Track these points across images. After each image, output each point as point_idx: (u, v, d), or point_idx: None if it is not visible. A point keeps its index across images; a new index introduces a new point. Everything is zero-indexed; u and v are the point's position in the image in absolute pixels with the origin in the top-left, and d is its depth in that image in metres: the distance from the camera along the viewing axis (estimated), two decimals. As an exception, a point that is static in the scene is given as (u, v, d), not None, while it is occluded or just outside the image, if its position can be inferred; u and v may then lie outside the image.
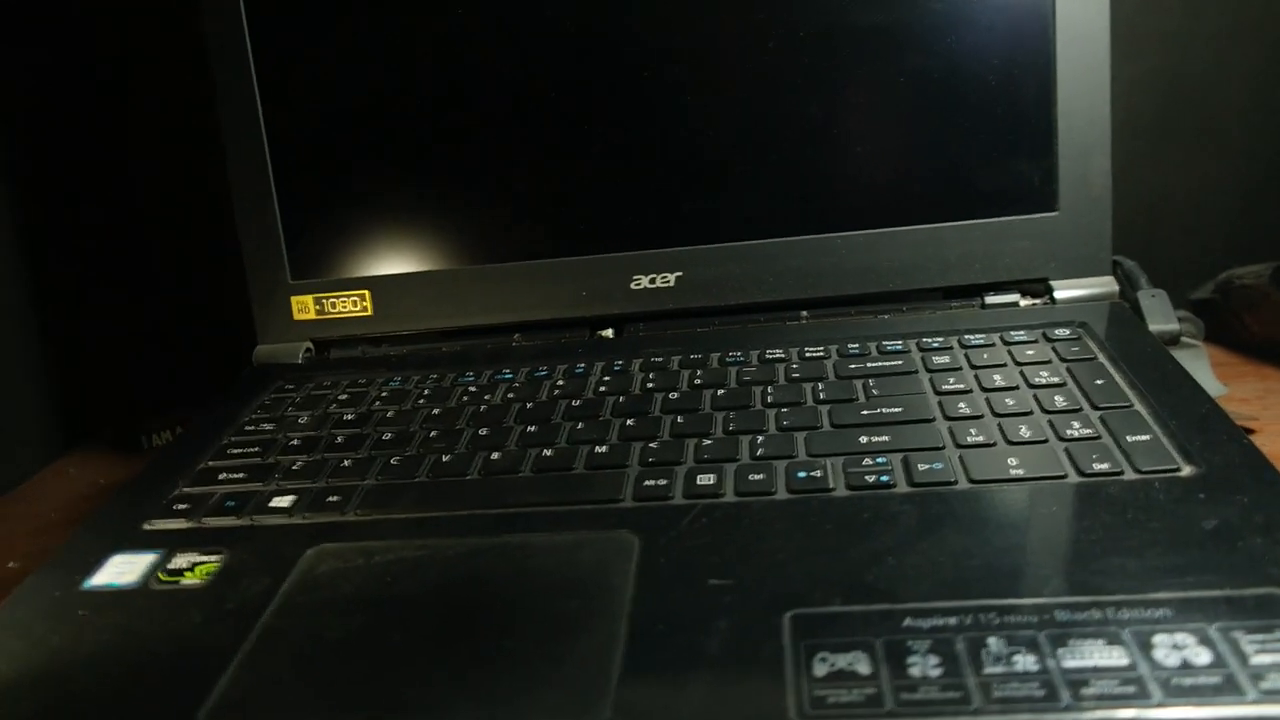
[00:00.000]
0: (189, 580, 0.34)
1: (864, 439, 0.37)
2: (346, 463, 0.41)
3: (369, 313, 0.52)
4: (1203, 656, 0.25)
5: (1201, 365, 0.52)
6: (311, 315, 0.52)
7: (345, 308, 0.52)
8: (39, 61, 0.62)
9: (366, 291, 0.52)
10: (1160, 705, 0.24)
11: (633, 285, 0.51)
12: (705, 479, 0.36)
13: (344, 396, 0.47)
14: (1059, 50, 0.47)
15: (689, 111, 0.49)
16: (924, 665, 0.26)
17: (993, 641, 0.26)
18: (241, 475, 0.41)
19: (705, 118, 0.49)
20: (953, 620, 0.27)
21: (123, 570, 0.35)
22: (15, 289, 0.59)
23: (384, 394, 0.47)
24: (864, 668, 0.26)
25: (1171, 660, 0.25)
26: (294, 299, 0.52)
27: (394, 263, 0.52)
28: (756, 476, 0.36)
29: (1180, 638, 0.25)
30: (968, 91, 0.48)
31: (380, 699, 0.27)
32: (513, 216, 0.51)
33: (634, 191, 0.50)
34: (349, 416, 0.45)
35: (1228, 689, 0.24)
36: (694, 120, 0.49)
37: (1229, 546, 0.29)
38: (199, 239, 0.68)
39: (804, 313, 0.50)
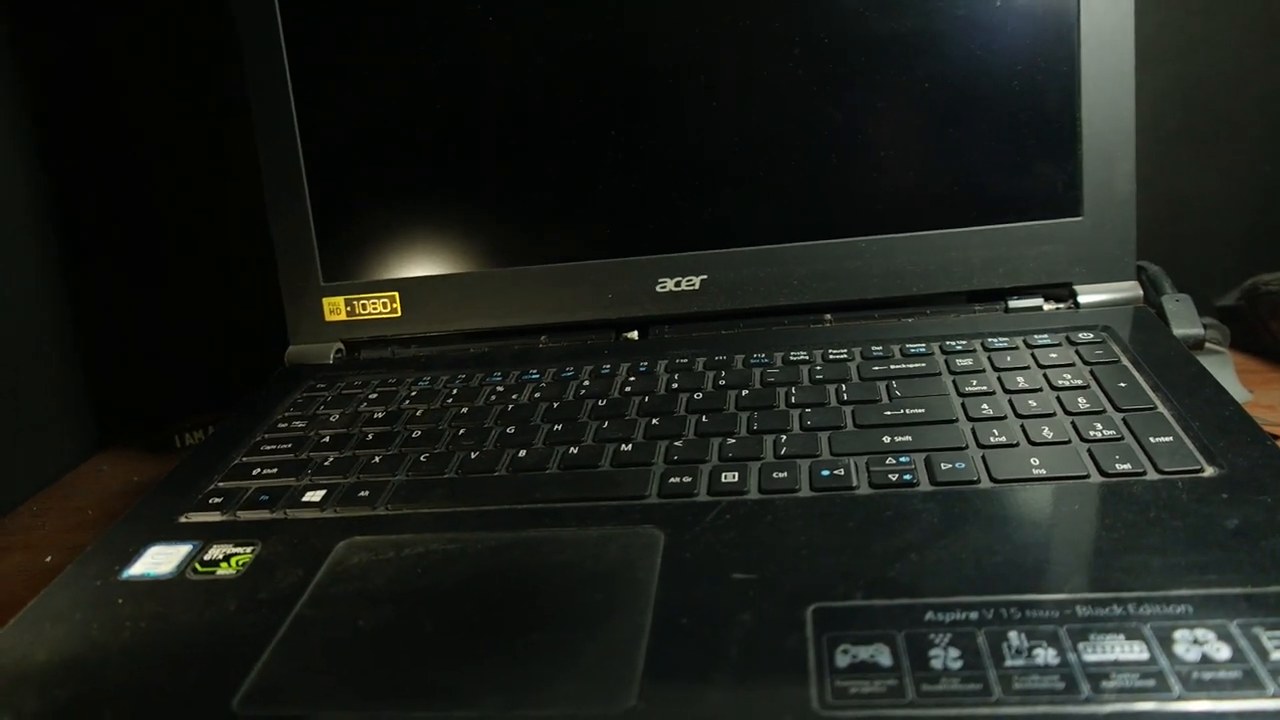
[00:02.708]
0: (224, 571, 0.35)
1: (887, 439, 0.38)
2: (377, 459, 0.42)
3: (398, 314, 0.53)
4: (1223, 652, 0.25)
5: (1227, 371, 0.52)
6: (342, 316, 0.53)
7: (375, 309, 0.53)
8: (76, 62, 0.64)
9: (396, 293, 0.53)
10: (1180, 699, 0.24)
11: (658, 288, 0.51)
12: (729, 476, 0.36)
13: (374, 395, 0.48)
14: (1083, 56, 0.47)
15: (714, 118, 0.50)
16: (945, 658, 0.26)
17: (1013, 635, 0.26)
18: (274, 471, 0.42)
19: (730, 124, 0.50)
20: (974, 615, 0.27)
21: (159, 561, 0.36)
22: (51, 288, 0.61)
23: (413, 393, 0.48)
24: (885, 660, 0.26)
25: (1192, 655, 0.25)
26: (325, 300, 0.54)
27: (423, 265, 0.53)
28: (780, 474, 0.36)
29: (1201, 633, 0.26)
30: (992, 97, 0.48)
31: (411, 686, 0.28)
32: (540, 220, 0.52)
33: (659, 196, 0.51)
34: (379, 415, 0.46)
35: (1247, 683, 0.24)
36: (719, 126, 0.50)
37: (1251, 545, 0.29)
38: (233, 242, 0.69)
39: (828, 316, 0.51)
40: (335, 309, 0.54)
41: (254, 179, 0.55)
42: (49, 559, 0.49)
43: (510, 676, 0.28)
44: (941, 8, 0.48)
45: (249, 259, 0.67)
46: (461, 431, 0.43)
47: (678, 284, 0.51)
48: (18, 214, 0.58)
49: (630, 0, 0.49)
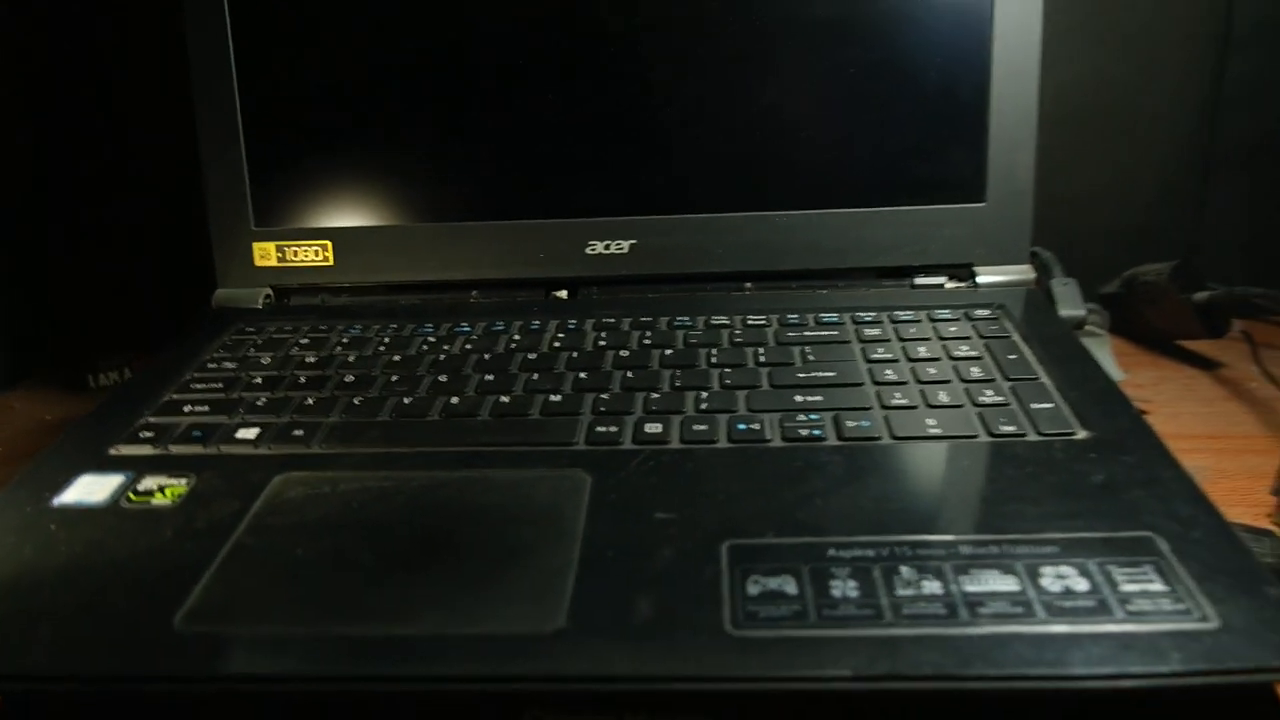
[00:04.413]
0: (158, 501, 0.36)
1: (799, 398, 0.41)
2: (310, 401, 0.43)
3: (330, 263, 0.54)
4: (1081, 585, 0.29)
5: (1105, 352, 0.57)
6: (273, 262, 0.54)
7: (307, 257, 0.54)
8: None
9: (329, 242, 0.54)
10: (1044, 623, 0.27)
11: (588, 250, 0.53)
12: (653, 427, 0.39)
13: (305, 341, 0.49)
14: (995, 56, 0.50)
15: (648, 91, 0.52)
16: (844, 588, 0.29)
17: (904, 569, 0.30)
18: (205, 409, 0.43)
19: (663, 98, 0.52)
20: (871, 552, 0.31)
21: (91, 490, 0.37)
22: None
23: (345, 340, 0.49)
24: (791, 589, 0.29)
25: (1055, 587, 0.29)
26: (256, 245, 0.54)
27: (357, 216, 0.54)
28: (700, 427, 0.39)
29: (1064, 569, 0.29)
30: (910, 87, 0.51)
31: (351, 607, 0.30)
32: (475, 178, 0.53)
33: (593, 162, 0.53)
34: (310, 359, 0.47)
35: (1100, 611, 0.28)
36: (652, 99, 0.52)
37: (1112, 498, 0.33)
38: (157, 181, 0.68)
39: (748, 284, 0.53)
40: (266, 254, 0.54)
41: (184, 118, 0.54)
42: (-39, 493, 0.49)
43: (446, 599, 0.30)
44: (868, 4, 0.51)
45: (171, 199, 0.66)
46: (394, 378, 0.44)
47: (607, 247, 0.53)
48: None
49: (573, -32, 0.51)
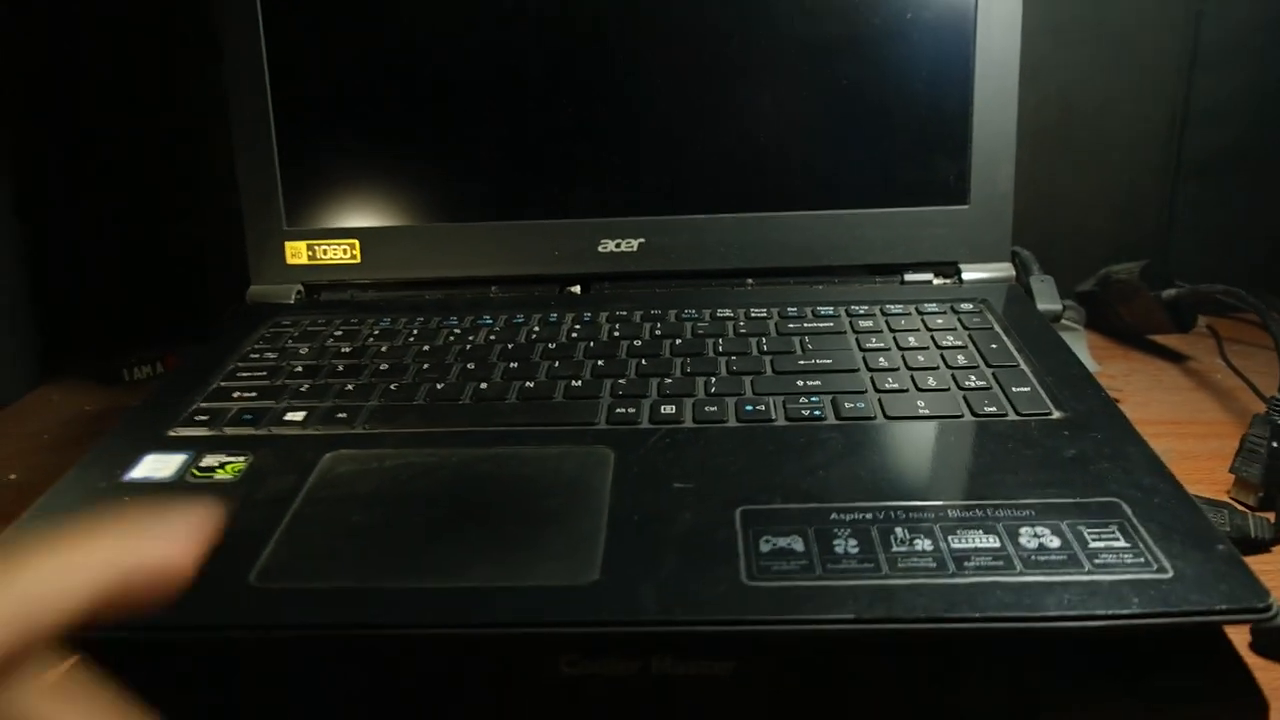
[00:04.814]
0: (221, 476, 0.39)
1: (800, 383, 0.45)
2: (349, 387, 0.46)
3: (358, 260, 0.57)
4: (1054, 542, 0.33)
5: (1080, 345, 0.61)
6: (304, 260, 0.57)
7: (335, 255, 0.57)
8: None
9: (356, 241, 0.57)
10: (1020, 574, 0.31)
11: (600, 249, 0.57)
12: (668, 409, 0.43)
13: (339, 333, 0.53)
14: (977, 72, 0.54)
15: (657, 101, 0.56)
16: (845, 545, 0.33)
17: (899, 530, 0.33)
18: (253, 394, 0.46)
19: (672, 106, 0.56)
20: (868, 515, 0.34)
21: (158, 467, 0.40)
22: (4, 221, 0.62)
23: (376, 332, 0.52)
24: (799, 546, 0.33)
25: (1031, 544, 0.32)
26: (288, 244, 0.57)
27: (383, 216, 0.57)
28: (711, 408, 0.42)
29: (1039, 529, 0.33)
30: (900, 101, 0.55)
31: (407, 564, 0.33)
32: (494, 180, 0.57)
33: (605, 166, 0.57)
34: (346, 349, 0.50)
35: (1070, 563, 0.31)
36: (662, 107, 0.56)
37: (1082, 469, 0.37)
38: (189, 182, 0.71)
39: (750, 280, 0.57)
40: (297, 253, 0.57)
41: (217, 121, 0.58)
42: (13, 476, 0.52)
43: (492, 556, 0.33)
44: (863, 19, 0.55)
45: (204, 200, 0.70)
46: (426, 366, 0.48)
47: (618, 245, 0.57)
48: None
49: (587, -14, 0.55)
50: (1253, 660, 0.34)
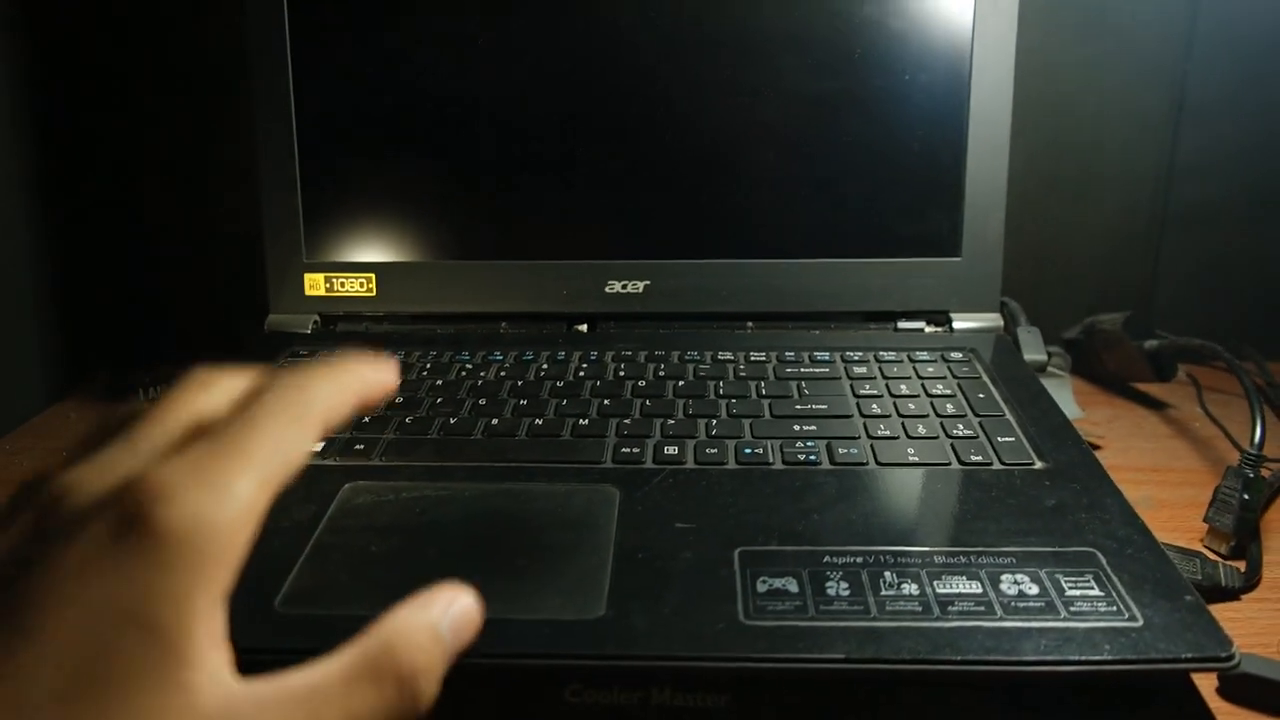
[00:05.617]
0: (244, 503, 0.41)
1: (797, 427, 0.47)
2: (365, 419, 0.48)
3: (373, 294, 0.60)
4: (1033, 589, 0.35)
5: (1065, 392, 0.63)
6: (321, 292, 0.59)
7: (352, 287, 0.59)
8: (71, 10, 0.67)
9: (372, 275, 0.59)
10: (1001, 619, 0.33)
11: (606, 289, 0.59)
12: (671, 450, 0.45)
13: (354, 364, 0.54)
14: (971, 130, 0.57)
15: (666, 149, 0.59)
16: (837, 588, 0.35)
17: (888, 574, 0.36)
18: (273, 424, 0.48)
19: (679, 155, 0.59)
20: (859, 559, 0.36)
21: (183, 493, 0.42)
22: (28, 239, 0.64)
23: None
24: (794, 587, 0.35)
25: (1012, 590, 0.35)
26: (307, 276, 0.59)
27: (399, 251, 0.59)
28: (711, 450, 0.45)
29: (1019, 576, 0.35)
30: (896, 156, 0.58)
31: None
32: (505, 221, 0.60)
33: (613, 211, 0.59)
34: (361, 381, 0.52)
35: (1047, 610, 0.34)
36: (670, 156, 0.59)
37: (1061, 518, 0.39)
38: (210, 210, 0.73)
39: (749, 323, 0.60)
40: (315, 284, 0.59)
41: (240, 150, 0.60)
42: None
43: (503, 590, 0.35)
44: (863, 79, 0.57)
45: (224, 228, 0.72)
46: (439, 400, 0.50)
47: (624, 286, 0.59)
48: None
49: (610, 41, 0.58)
50: (1218, 705, 0.36)
